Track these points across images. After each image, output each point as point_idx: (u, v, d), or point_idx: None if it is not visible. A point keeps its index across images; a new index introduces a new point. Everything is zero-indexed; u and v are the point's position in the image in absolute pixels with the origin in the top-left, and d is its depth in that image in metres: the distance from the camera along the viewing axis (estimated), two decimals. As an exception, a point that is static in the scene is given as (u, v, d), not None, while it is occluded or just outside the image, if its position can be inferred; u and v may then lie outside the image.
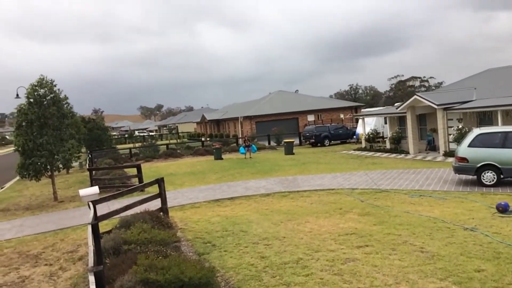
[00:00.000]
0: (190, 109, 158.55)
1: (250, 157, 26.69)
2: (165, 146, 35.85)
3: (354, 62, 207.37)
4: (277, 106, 49.63)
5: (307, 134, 34.79)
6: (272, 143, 37.59)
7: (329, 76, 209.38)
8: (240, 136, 46.86)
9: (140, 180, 16.75)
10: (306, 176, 16.75)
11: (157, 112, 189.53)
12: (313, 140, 34.26)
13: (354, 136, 33.64)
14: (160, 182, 10.12)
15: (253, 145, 28.93)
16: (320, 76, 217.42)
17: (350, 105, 51.98)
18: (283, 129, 39.90)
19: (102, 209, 11.25)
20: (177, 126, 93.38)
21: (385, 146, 25.71)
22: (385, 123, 29.58)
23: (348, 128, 36.50)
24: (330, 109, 49.75)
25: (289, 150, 28.15)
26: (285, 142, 29.04)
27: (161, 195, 10.19)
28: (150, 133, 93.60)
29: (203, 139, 56.53)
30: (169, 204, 11.32)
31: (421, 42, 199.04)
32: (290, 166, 20.62)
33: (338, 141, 34.99)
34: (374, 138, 26.77)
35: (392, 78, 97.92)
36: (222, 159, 27.27)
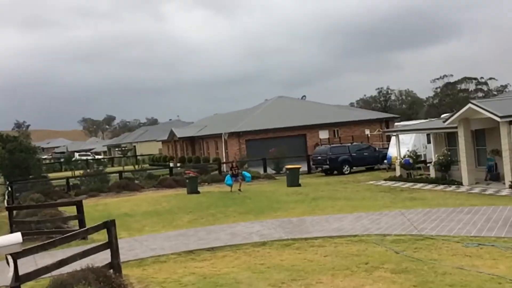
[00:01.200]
0: (153, 122, 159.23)
1: (240, 190, 26.83)
2: (118, 174, 36.05)
3: (384, 57, 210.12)
4: (276, 118, 50.01)
5: (319, 158, 35.11)
6: (270, 170, 37.77)
7: (349, 76, 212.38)
8: (225, 160, 46.87)
9: (82, 224, 16.83)
10: (318, 217, 16.90)
11: (107, 126, 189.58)
12: (327, 166, 34.55)
13: (385, 161, 34.00)
14: (110, 226, 10.18)
15: (244, 172, 29.04)
16: (336, 77, 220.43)
17: (378, 117, 52.41)
18: (285, 151, 40.18)
19: (27, 265, 11.13)
20: (134, 147, 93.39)
21: (428, 174, 26.01)
22: (428, 142, 29.93)
23: (376, 149, 36.87)
24: (350, 123, 50.09)
25: (293, 180, 28.34)
26: (287, 168, 29.25)
27: (111, 244, 10.17)
28: (97, 156, 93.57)
29: (171, 164, 56.48)
30: (123, 258, 11.31)
31: (477, 29, 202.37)
32: (295, 203, 20.84)
33: (363, 167, 35.30)
34: (413, 164, 27.10)
35: (437, 79, 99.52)
36: (198, 192, 27.46)
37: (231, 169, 28.51)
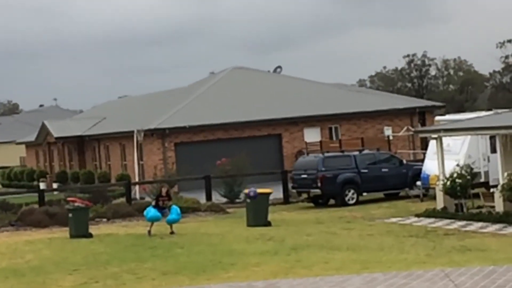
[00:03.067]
0: (10, 110, 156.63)
1: (172, 232, 27.06)
2: None
3: (419, 3, 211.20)
4: (229, 105, 50.20)
5: (304, 176, 35.37)
6: (217, 197, 37.91)
7: (358, 33, 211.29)
8: (138, 178, 46.34)
9: None
10: (301, 281, 16.84)
11: None
12: (317, 191, 34.83)
13: (418, 183, 34.48)
14: None
15: (174, 207, 28.24)
16: (335, 34, 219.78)
17: (407, 106, 53.05)
18: (245, 163, 40.13)
19: None
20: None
21: (492, 206, 26.22)
22: (493, 150, 30.24)
23: (404, 161, 37.30)
24: (359, 115, 50.72)
25: (258, 215, 28.49)
26: (248, 195, 29.22)
27: None
28: None
29: (43, 185, 55.22)
30: None
31: None
32: (261, 256, 20.88)
33: (379, 194, 35.82)
34: (465, 187, 27.22)
35: (509, 41, 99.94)
36: (90, 236, 27.48)
37: (157, 199, 28.12)
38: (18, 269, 21.18)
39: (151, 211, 27.40)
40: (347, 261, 19.09)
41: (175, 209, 28.21)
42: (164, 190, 28.34)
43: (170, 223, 27.85)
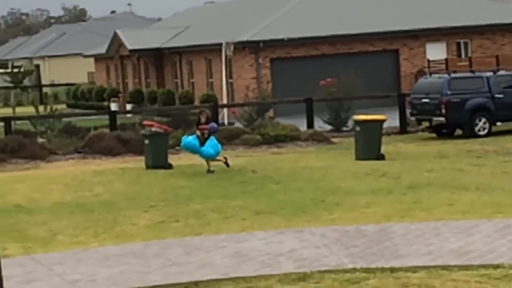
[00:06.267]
0: (78, 17, 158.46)
1: (210, 171, 27.03)
2: (3, 124, 36.52)
3: None
4: (338, 13, 49.72)
5: (425, 101, 35.36)
6: (320, 124, 38.26)
7: None
8: (226, 100, 46.64)
9: None
10: (419, 225, 17.09)
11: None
12: (441, 119, 34.80)
13: None
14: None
15: (211, 138, 27.75)
16: None
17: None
18: (355, 84, 40.12)
19: None
20: (37, 67, 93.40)
21: None
22: None
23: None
24: (494, 28, 49.82)
25: (369, 146, 28.73)
26: (357, 122, 29.45)
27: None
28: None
29: (114, 106, 56.16)
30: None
31: None
32: (372, 195, 21.25)
33: None
34: None
35: None
36: (170, 167, 28.05)
37: (197, 127, 28.09)
38: (85, 204, 21.88)
39: (188, 138, 27.57)
40: (476, 203, 19.09)
41: (212, 141, 27.53)
42: (203, 117, 28.41)
43: (204, 158, 27.80)
